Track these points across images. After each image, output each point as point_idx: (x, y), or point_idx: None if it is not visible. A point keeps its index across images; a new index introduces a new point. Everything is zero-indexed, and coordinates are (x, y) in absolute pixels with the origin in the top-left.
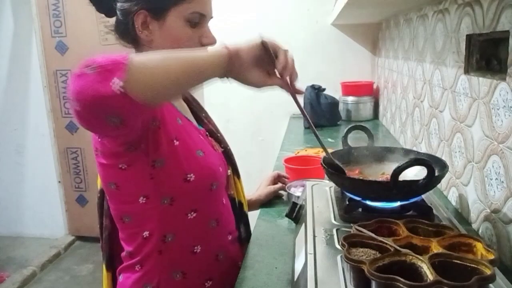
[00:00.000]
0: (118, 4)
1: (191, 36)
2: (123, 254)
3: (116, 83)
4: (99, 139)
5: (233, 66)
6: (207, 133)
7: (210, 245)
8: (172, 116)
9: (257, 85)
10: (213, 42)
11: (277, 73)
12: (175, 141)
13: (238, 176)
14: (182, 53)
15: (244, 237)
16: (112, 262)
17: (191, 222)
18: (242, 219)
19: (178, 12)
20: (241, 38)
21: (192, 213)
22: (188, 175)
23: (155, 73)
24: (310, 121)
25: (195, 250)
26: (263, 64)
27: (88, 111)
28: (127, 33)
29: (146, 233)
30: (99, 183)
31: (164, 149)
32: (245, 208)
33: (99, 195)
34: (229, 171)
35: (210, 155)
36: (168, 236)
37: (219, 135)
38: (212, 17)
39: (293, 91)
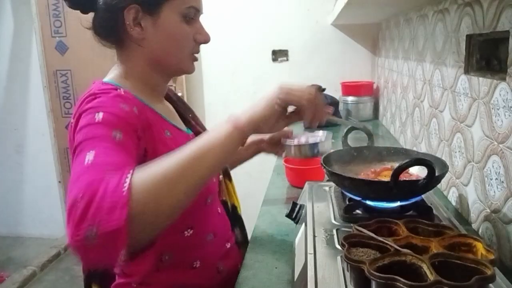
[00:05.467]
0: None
1: (188, 33)
2: (117, 269)
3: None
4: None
5: (248, 134)
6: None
7: (209, 258)
8: (160, 130)
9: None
10: (207, 39)
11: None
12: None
13: (230, 178)
14: (186, 158)
15: (240, 240)
16: (97, 278)
17: (188, 240)
18: (236, 222)
19: (174, 6)
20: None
21: (189, 230)
22: None
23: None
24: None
25: (194, 265)
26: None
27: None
28: (112, 32)
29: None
30: None
31: None
32: (239, 211)
33: None
34: (220, 176)
35: None
36: (165, 255)
37: None
38: (202, 13)
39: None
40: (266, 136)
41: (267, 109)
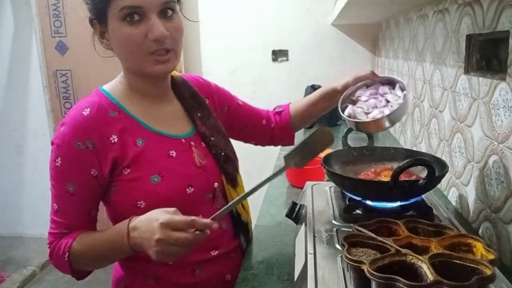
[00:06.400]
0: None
1: (133, 35)
2: None
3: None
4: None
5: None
6: (192, 142)
7: (184, 261)
8: (131, 139)
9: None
10: (158, 35)
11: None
12: (126, 169)
13: (234, 185)
14: (102, 254)
15: (245, 247)
16: None
17: None
18: (241, 229)
19: (112, 13)
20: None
21: None
22: (139, 202)
23: (87, 266)
24: None
25: (167, 262)
26: None
27: None
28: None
29: None
30: None
31: (114, 180)
32: (244, 217)
33: None
34: (216, 184)
35: (174, 176)
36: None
37: (212, 138)
38: (166, 2)
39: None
40: (339, 87)
41: (148, 252)
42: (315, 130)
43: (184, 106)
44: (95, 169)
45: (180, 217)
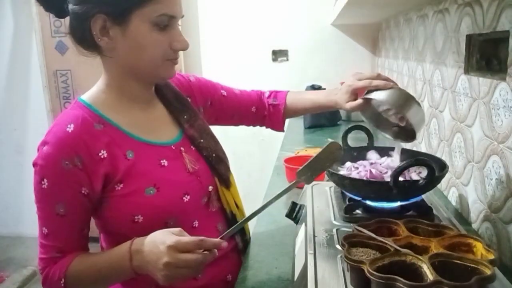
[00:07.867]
0: (70, 7)
1: (160, 41)
2: None
3: None
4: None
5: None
6: (181, 147)
7: None
8: (121, 152)
9: None
10: (185, 46)
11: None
12: (118, 184)
13: (227, 186)
14: (101, 277)
15: (241, 248)
16: None
17: None
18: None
19: (143, 15)
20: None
21: None
22: (136, 217)
23: None
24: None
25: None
26: None
27: None
28: (84, 39)
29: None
30: None
31: (106, 196)
32: (239, 217)
33: None
34: (210, 187)
35: (169, 187)
36: None
37: (202, 140)
38: (183, 16)
39: None
40: (346, 108)
41: (154, 275)
42: (326, 145)
43: (169, 109)
44: (85, 187)
45: (187, 238)
